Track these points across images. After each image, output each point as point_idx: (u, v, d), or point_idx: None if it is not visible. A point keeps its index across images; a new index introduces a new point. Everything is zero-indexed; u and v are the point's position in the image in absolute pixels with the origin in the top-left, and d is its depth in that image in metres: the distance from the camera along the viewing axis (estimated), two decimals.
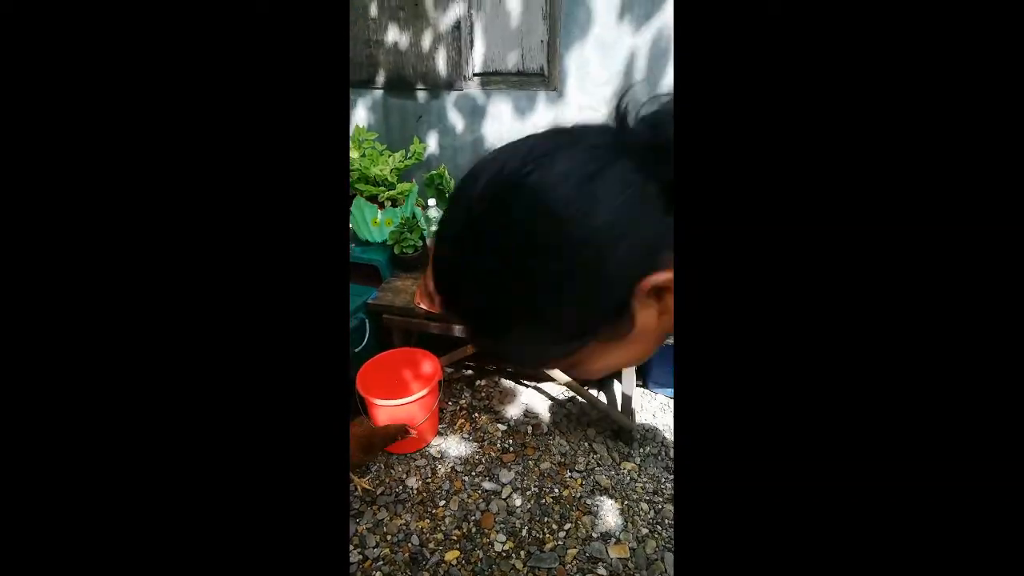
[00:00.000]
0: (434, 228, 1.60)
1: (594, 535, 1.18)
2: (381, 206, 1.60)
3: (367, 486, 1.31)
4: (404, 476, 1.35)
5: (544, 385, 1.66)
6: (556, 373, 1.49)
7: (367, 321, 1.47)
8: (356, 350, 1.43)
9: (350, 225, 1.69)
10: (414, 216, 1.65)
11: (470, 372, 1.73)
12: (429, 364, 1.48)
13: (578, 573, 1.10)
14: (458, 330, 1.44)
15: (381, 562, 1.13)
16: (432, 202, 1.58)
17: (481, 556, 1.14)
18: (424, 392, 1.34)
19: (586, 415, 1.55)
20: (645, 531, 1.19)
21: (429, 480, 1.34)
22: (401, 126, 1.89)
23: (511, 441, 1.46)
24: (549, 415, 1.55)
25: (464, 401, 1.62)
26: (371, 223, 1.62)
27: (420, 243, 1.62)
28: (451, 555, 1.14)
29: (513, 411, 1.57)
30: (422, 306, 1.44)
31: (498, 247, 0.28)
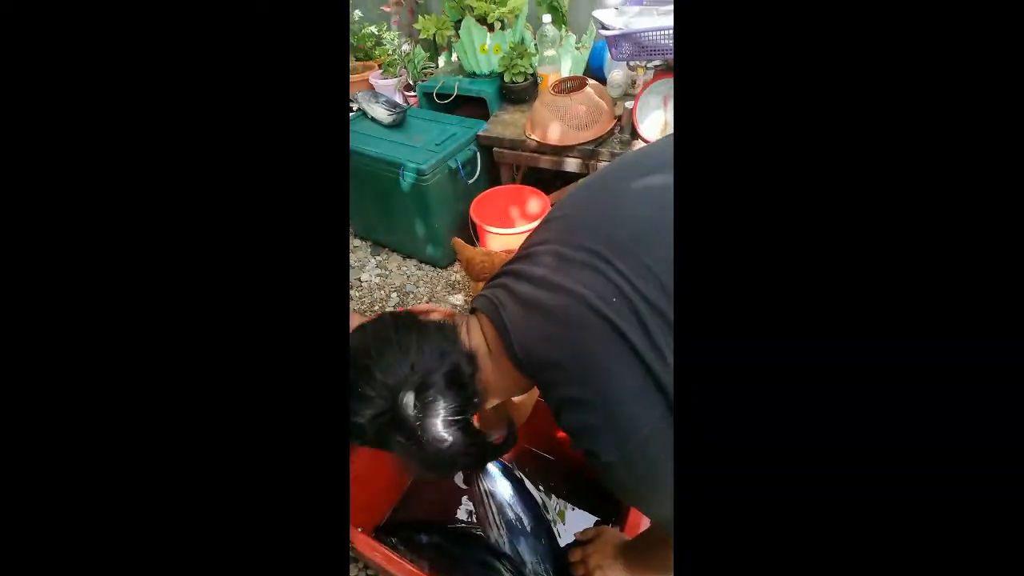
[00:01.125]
0: (549, 51, 1.45)
1: None
2: (491, 28, 1.47)
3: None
4: None
5: None
6: None
7: (479, 154, 1.46)
8: (469, 182, 1.45)
9: (455, 57, 1.60)
10: (523, 41, 1.50)
11: None
12: (537, 201, 1.47)
13: None
14: (571, 164, 1.38)
15: None
16: (548, 19, 1.41)
17: None
18: (534, 224, 1.35)
19: None
20: None
21: None
22: None
23: None
24: None
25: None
26: (479, 50, 1.51)
27: (531, 70, 1.50)
28: None
29: None
30: (533, 137, 1.38)
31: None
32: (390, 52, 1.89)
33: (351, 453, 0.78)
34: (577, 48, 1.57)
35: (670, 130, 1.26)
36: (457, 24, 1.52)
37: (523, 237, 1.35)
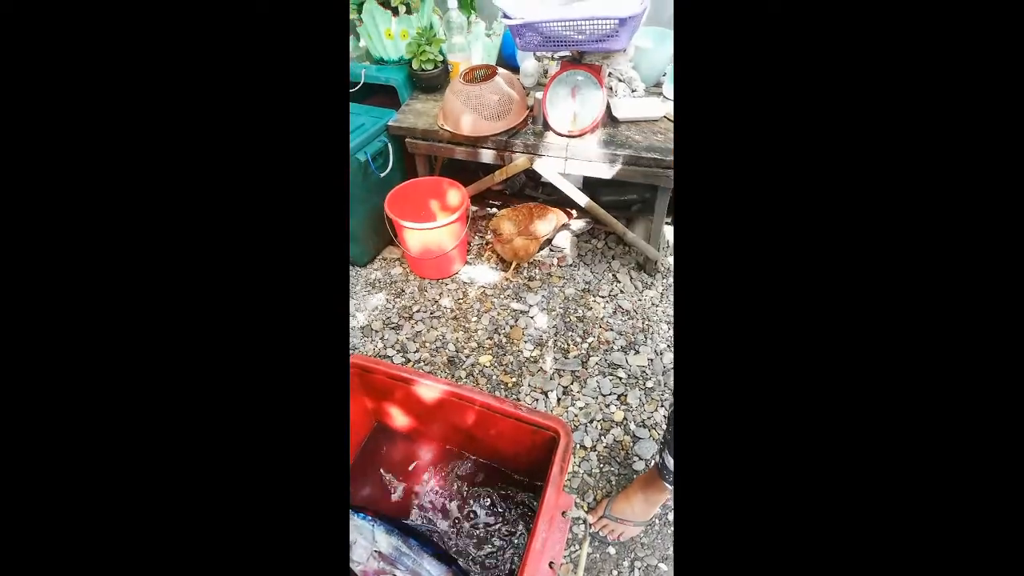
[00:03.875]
0: (458, 38, 1.41)
1: (615, 348, 1.28)
2: (395, 12, 1.40)
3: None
4: (437, 297, 1.43)
5: (571, 223, 1.65)
6: (589, 205, 1.45)
7: (390, 145, 1.40)
8: (382, 175, 1.39)
9: (363, 43, 1.51)
10: (431, 26, 1.45)
11: (494, 210, 1.71)
12: (456, 193, 1.45)
13: (599, 375, 1.22)
14: (486, 156, 1.37)
15: (422, 363, 1.26)
16: (454, 3, 1.37)
17: (511, 360, 1.26)
18: (454, 218, 1.34)
19: (611, 249, 1.56)
20: (663, 346, 1.28)
21: (461, 301, 1.42)
22: None
23: (537, 271, 1.50)
24: (574, 250, 1.57)
25: (490, 236, 1.63)
26: (384, 35, 1.43)
27: (440, 58, 1.45)
28: (484, 359, 1.26)
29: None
30: (446, 128, 1.35)
31: None
32: None
33: None
34: (488, 35, 1.54)
35: (580, 123, 1.29)
36: (360, 7, 1.43)
37: (445, 231, 1.35)
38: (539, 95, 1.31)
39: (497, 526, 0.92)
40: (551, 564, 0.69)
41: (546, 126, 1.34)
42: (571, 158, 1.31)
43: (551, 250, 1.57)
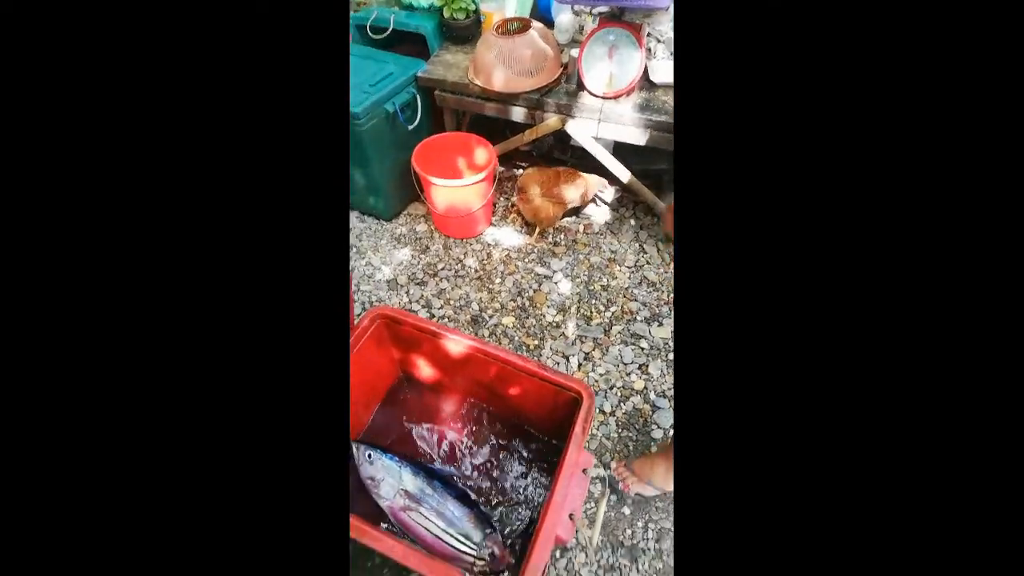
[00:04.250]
0: None
1: (638, 318, 1.27)
2: None
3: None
4: (462, 256, 1.43)
5: (602, 193, 1.61)
6: (620, 170, 1.41)
7: (418, 97, 1.36)
8: (410, 128, 1.36)
9: None
10: None
11: (521, 172, 1.67)
12: (484, 151, 1.42)
13: (621, 343, 1.22)
14: (517, 114, 1.33)
15: (446, 320, 1.27)
16: None
17: (534, 323, 1.26)
18: (481, 176, 1.31)
19: (639, 219, 1.53)
20: None
21: (485, 262, 1.41)
22: None
23: (562, 237, 1.48)
24: (602, 218, 1.54)
25: (516, 198, 1.60)
26: None
27: (473, 7, 1.39)
28: (507, 320, 1.27)
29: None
30: (477, 82, 1.30)
31: None
32: None
33: None
34: None
35: (616, 84, 1.24)
36: None
37: (472, 189, 1.33)
38: (574, 52, 1.25)
39: (517, 478, 0.95)
40: (571, 516, 0.71)
41: (580, 86, 1.28)
42: (604, 121, 1.27)
43: (578, 217, 1.54)
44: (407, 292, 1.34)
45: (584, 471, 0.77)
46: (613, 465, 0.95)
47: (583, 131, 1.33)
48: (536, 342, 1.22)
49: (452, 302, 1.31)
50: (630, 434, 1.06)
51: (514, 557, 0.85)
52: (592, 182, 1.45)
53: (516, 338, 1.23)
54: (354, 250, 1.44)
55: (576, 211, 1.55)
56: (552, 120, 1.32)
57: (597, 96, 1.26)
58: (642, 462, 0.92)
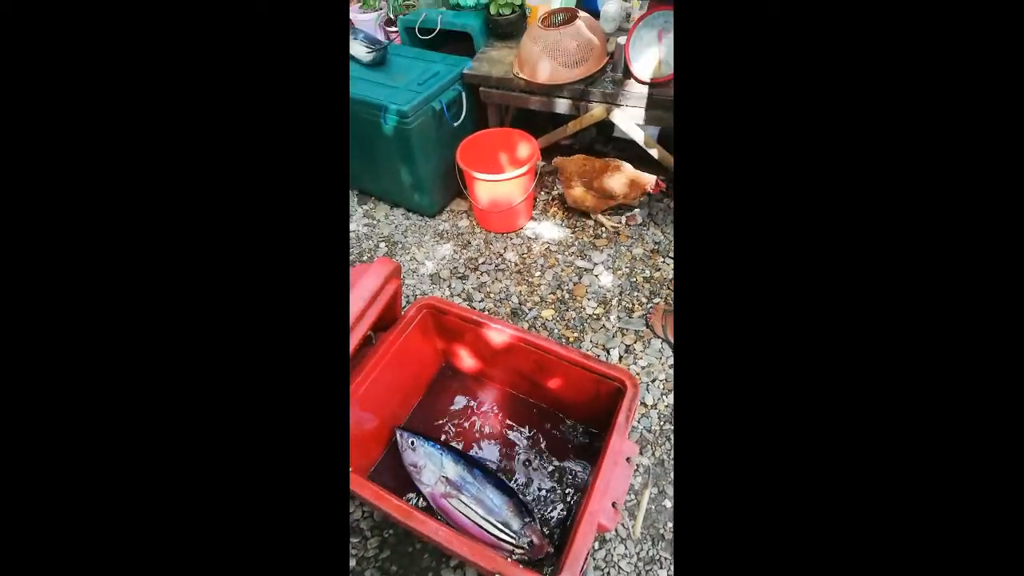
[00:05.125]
0: None
1: None
2: None
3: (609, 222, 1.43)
4: (502, 251, 1.44)
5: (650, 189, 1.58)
6: (663, 158, 1.38)
7: (463, 94, 1.39)
8: (455, 124, 1.39)
9: None
10: None
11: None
12: (526, 145, 1.43)
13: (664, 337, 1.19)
14: (561, 105, 1.33)
15: (486, 312, 1.29)
16: None
17: (574, 316, 1.26)
18: (524, 170, 1.32)
19: None
20: None
21: (525, 255, 1.42)
22: None
23: (603, 229, 1.46)
24: (646, 209, 1.51)
25: (557, 192, 1.60)
26: None
27: (519, 2, 1.40)
28: (547, 312, 1.27)
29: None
30: (522, 76, 1.31)
31: None
32: None
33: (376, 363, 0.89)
34: None
35: (665, 69, 1.21)
36: None
37: (514, 184, 1.34)
38: (621, 40, 1.23)
39: (556, 468, 0.96)
40: (613, 504, 0.70)
41: (627, 73, 1.26)
42: (651, 108, 1.24)
43: (620, 209, 1.52)
44: (449, 286, 1.37)
45: (628, 459, 0.76)
46: None
47: (628, 119, 1.31)
48: (576, 335, 1.22)
49: (492, 295, 1.33)
50: (672, 427, 1.04)
51: (552, 547, 0.85)
52: (643, 179, 1.37)
53: (556, 330, 1.23)
54: (399, 246, 1.49)
55: (623, 205, 1.53)
56: (597, 110, 1.31)
57: (644, 83, 1.24)
58: None
